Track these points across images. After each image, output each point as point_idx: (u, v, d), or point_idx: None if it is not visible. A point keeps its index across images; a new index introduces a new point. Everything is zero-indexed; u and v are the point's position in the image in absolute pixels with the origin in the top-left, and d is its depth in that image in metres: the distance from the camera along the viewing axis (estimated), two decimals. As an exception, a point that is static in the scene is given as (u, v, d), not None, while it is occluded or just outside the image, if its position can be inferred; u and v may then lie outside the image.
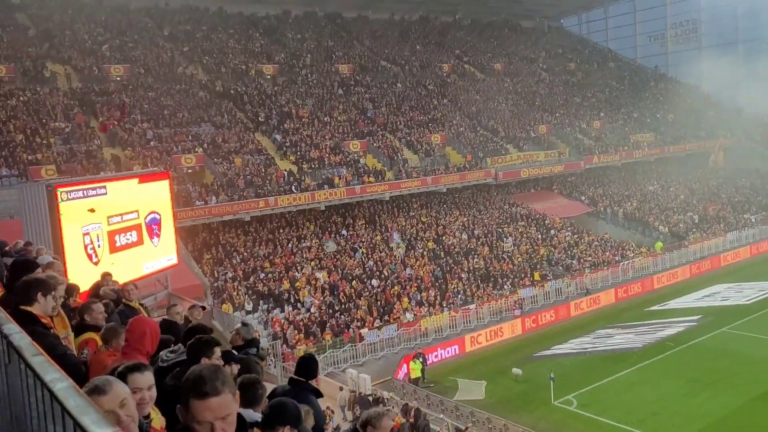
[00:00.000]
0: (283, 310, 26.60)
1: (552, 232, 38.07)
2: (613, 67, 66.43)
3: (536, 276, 32.30)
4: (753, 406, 19.07)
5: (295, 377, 4.68)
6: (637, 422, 18.54)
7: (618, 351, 24.71)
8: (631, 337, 26.25)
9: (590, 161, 45.33)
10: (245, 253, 29.82)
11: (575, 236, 38.12)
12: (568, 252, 35.74)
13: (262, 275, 28.41)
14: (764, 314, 27.71)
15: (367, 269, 30.54)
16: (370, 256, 31.73)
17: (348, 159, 36.25)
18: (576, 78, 59.91)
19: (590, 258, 35.22)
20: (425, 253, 33.16)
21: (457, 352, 25.63)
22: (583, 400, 20.24)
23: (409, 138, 40.84)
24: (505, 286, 31.05)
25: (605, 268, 34.05)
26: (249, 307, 26.27)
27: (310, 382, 4.68)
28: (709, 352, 23.87)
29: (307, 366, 4.70)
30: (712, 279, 34.65)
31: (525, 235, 36.99)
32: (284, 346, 23.61)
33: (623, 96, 59.62)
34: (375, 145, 38.92)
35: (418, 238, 34.53)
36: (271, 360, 21.01)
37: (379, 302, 28.02)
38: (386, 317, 27.11)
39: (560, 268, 34.06)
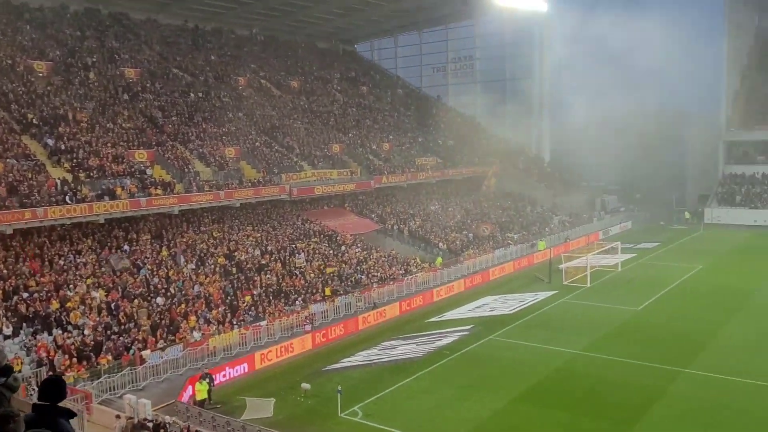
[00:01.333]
0: (50, 334, 23.94)
1: (343, 248, 39.26)
2: (402, 93, 70.87)
3: (327, 291, 33.02)
4: (513, 406, 21.39)
5: (39, 402, 4.27)
6: (417, 428, 19.76)
7: (401, 361, 26.13)
8: (413, 347, 27.96)
9: (380, 181, 47.68)
10: (5, 271, 26.37)
11: (365, 252, 39.72)
12: (358, 267, 37.11)
13: (26, 295, 25.33)
14: (524, 322, 31.32)
15: (152, 287, 28.79)
16: (155, 272, 29.95)
17: (133, 169, 33.95)
18: (368, 101, 62.80)
19: (378, 273, 36.94)
20: (216, 269, 32.18)
21: (247, 370, 25.15)
22: (368, 411, 21.04)
23: (201, 150, 39.49)
24: (297, 302, 31.29)
25: (391, 282, 35.94)
26: (8, 331, 23.25)
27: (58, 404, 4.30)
28: (478, 359, 26.29)
29: (52, 388, 4.32)
30: (482, 291, 38.35)
31: (317, 251, 37.67)
32: (50, 372, 21.22)
33: (410, 121, 63.84)
34: (164, 155, 36.99)
35: (209, 253, 33.41)
36: (34, 389, 18.77)
37: (163, 321, 26.52)
38: (171, 337, 25.74)
39: (350, 283, 35.22)
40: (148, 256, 31.19)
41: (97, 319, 25.42)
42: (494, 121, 69.94)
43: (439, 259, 41.46)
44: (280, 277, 33.37)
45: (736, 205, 63.98)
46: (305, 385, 22.77)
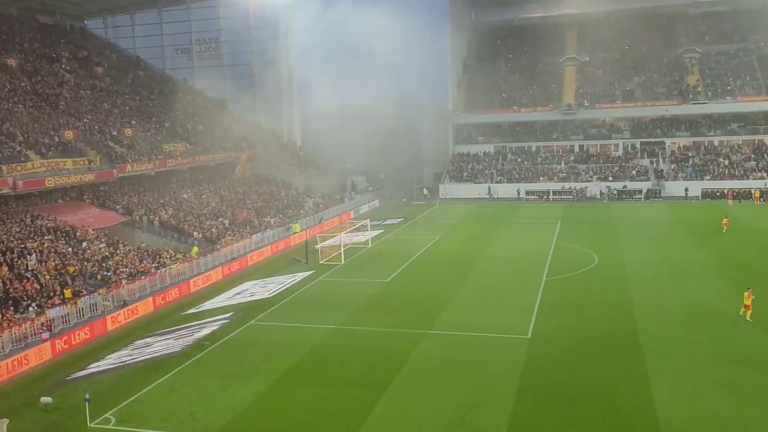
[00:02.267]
0: None
1: (84, 244, 35.80)
2: (143, 75, 66.33)
3: (67, 293, 29.88)
4: (276, 388, 21.72)
5: None
6: (177, 425, 19.02)
7: (158, 358, 24.83)
8: (170, 342, 26.73)
9: (123, 169, 44.33)
10: None
11: (110, 247, 36.70)
12: (104, 264, 34.18)
13: None
14: (284, 304, 31.87)
15: None
16: None
17: None
18: (104, 83, 57.71)
19: (127, 269, 34.44)
20: None
21: (-30, 393, 21.76)
22: (122, 416, 19.67)
23: None
24: (30, 308, 27.81)
25: (143, 277, 33.79)
26: None
27: None
28: (240, 345, 26.12)
29: None
30: (241, 278, 38.06)
31: (53, 250, 33.80)
32: None
33: (154, 105, 60.15)
34: None
35: None
36: None
37: None
38: None
39: (95, 281, 32.31)
40: None
41: None
42: (244, 105, 69.27)
43: (195, 249, 40.06)
44: (7, 282, 29.32)
45: (463, 181, 72.28)
46: (45, 399, 20.46)
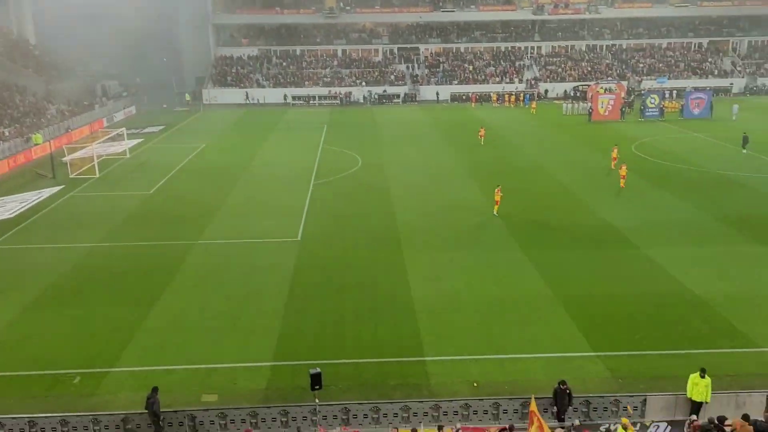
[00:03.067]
0: None
1: None
2: None
3: None
4: (27, 314, 19.85)
5: None
6: None
7: None
8: None
9: None
10: None
11: None
12: None
13: None
14: (30, 224, 28.62)
15: None
16: None
17: None
18: None
19: None
20: None
21: None
22: None
23: None
24: None
25: None
26: None
27: None
28: (-23, 274, 23.14)
29: None
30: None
31: None
32: None
33: None
34: None
35: None
36: None
37: None
38: None
39: None
40: None
41: None
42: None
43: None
44: None
45: (228, 86, 69.64)
46: None
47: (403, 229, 27.32)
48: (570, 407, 14.71)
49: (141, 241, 26.37)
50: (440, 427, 13.63)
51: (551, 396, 14.78)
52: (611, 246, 24.90)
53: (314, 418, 14.51)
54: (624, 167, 32.64)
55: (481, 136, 45.23)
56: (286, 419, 14.58)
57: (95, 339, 18.35)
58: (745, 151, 40.27)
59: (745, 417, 13.84)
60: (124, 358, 17.41)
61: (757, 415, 14.20)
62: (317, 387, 14.06)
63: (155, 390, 14.38)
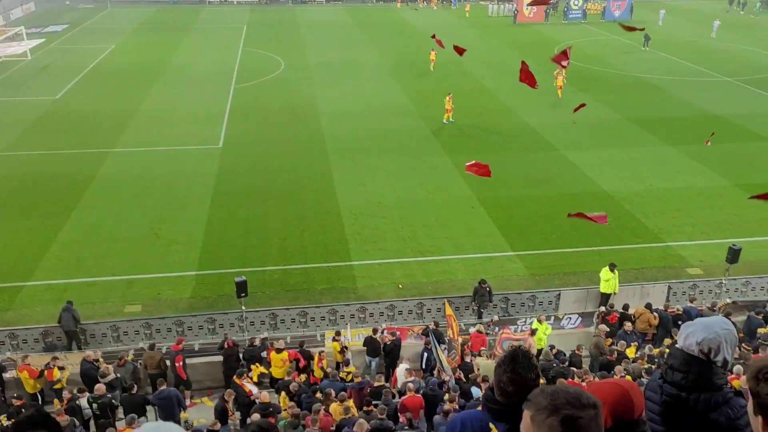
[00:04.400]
0: None
1: None
2: None
3: None
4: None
5: None
6: None
7: None
8: None
9: None
10: None
11: None
12: None
13: None
14: None
15: None
16: None
17: None
18: None
19: None
20: None
21: None
22: None
23: None
24: None
25: None
26: None
27: None
28: None
29: None
30: None
31: None
32: None
33: None
34: None
35: None
36: None
37: None
38: None
39: None
40: None
41: None
42: None
43: None
44: None
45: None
46: None
47: (329, 135, 26.89)
48: (490, 304, 15.45)
49: (49, 149, 24.86)
50: (338, 332, 14.03)
51: (471, 294, 15.45)
52: (533, 148, 25.49)
53: (241, 324, 14.64)
54: (560, 77, 32.15)
55: (432, 60, 37.98)
56: (213, 326, 14.64)
57: (7, 252, 17.56)
58: (646, 48, 42.06)
59: (648, 306, 14.96)
60: (40, 271, 16.81)
61: (658, 305, 15.40)
62: (243, 294, 14.10)
63: (70, 303, 14.06)
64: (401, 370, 12.78)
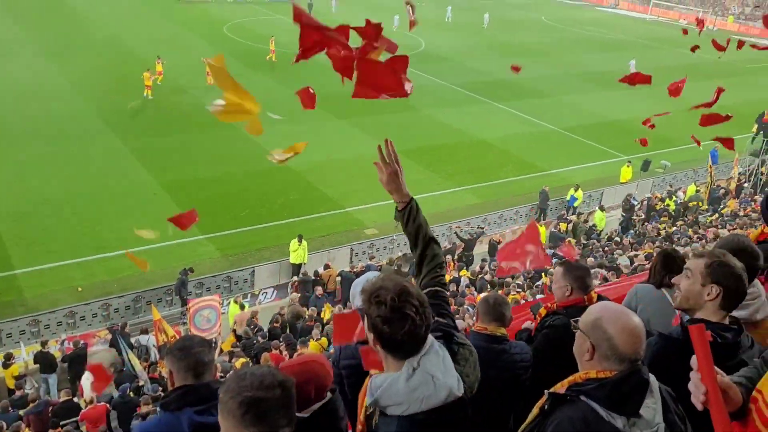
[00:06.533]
0: None
1: None
2: None
3: None
4: None
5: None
6: None
7: None
8: None
9: None
10: None
11: None
12: None
13: None
14: None
15: None
16: None
17: None
18: None
19: None
20: None
21: None
22: None
23: None
24: None
25: None
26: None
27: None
28: None
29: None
30: None
31: None
32: None
33: None
34: None
35: None
36: None
37: None
38: None
39: None
40: None
41: None
42: None
43: None
44: None
45: None
46: None
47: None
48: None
49: None
50: (44, 343, 12.35)
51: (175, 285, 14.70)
52: (209, 128, 24.80)
53: None
54: (148, 77, 27.53)
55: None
56: None
57: None
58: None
59: (326, 266, 16.03)
60: None
61: (344, 267, 16.60)
62: None
63: None
64: (86, 379, 11.49)
